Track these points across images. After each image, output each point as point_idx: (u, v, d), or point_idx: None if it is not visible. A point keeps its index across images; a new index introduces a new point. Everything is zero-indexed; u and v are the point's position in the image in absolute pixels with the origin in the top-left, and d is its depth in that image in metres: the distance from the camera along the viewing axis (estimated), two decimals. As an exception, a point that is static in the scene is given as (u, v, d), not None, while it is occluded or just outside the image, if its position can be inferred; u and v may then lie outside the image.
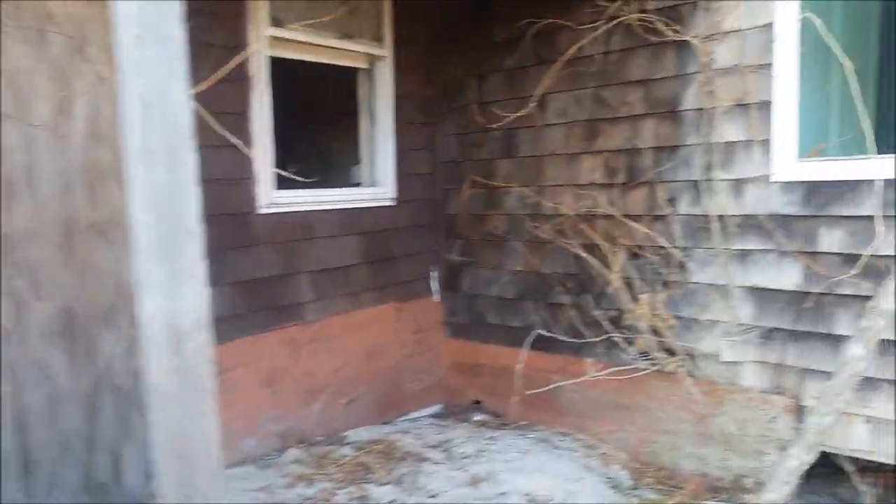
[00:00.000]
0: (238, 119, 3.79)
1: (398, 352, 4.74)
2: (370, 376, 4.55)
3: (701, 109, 3.68)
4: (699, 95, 3.69)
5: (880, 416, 3.18)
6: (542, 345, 4.25)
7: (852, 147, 3.38)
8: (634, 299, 3.91)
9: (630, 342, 3.93)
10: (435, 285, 4.99)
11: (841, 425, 3.28)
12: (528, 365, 4.24)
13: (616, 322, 4.04)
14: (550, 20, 4.13)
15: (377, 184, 4.70)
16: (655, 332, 3.82)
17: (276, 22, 3.89)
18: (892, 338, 3.02)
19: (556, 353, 4.30)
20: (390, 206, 4.70)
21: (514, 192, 4.53)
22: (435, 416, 4.86)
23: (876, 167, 3.11)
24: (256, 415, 3.93)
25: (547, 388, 4.17)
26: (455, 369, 4.95)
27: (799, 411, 3.41)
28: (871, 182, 3.14)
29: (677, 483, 3.69)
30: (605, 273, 4.02)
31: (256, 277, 3.94)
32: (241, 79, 3.79)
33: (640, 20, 3.80)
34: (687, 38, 3.68)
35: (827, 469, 3.43)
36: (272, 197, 3.95)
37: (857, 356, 2.19)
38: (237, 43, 3.68)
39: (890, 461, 3.16)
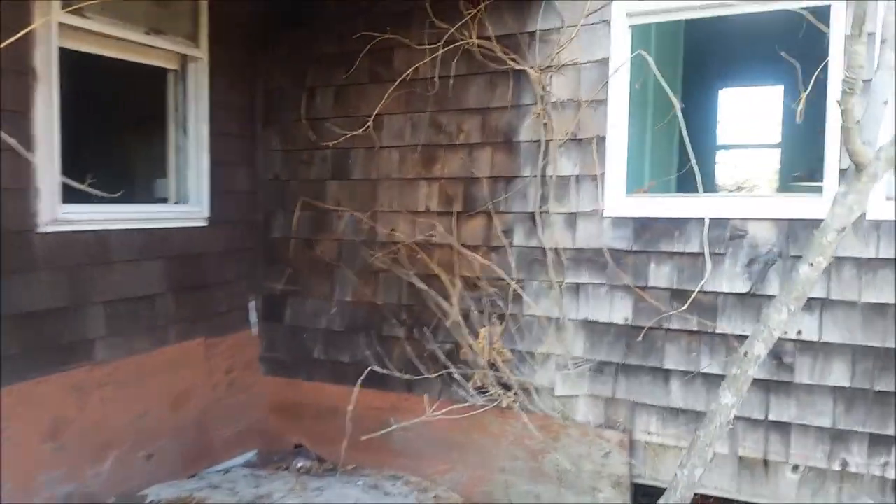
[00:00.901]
0: (18, 118, 3.12)
1: (209, 394, 4.19)
2: (175, 424, 3.96)
3: (537, 141, 3.66)
4: (535, 127, 3.66)
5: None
6: (374, 381, 3.95)
7: (682, 185, 3.52)
8: (472, 332, 3.77)
9: (467, 377, 3.77)
10: (253, 317, 4.51)
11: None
12: (358, 403, 3.91)
13: (452, 356, 3.87)
14: (387, 36, 3.91)
15: (188, 201, 4.15)
16: (492, 366, 3.70)
17: (69, 4, 3.27)
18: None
19: (390, 390, 4.03)
20: (203, 227, 4.17)
21: (347, 217, 4.22)
22: (250, 464, 4.36)
23: (703, 205, 3.25)
24: (34, 475, 3.22)
25: (380, 430, 3.88)
26: (275, 411, 4.49)
27: (632, 446, 3.44)
28: (699, 220, 3.26)
29: (512, 524, 3.57)
30: (442, 305, 3.84)
31: (35, 310, 3.24)
32: (23, 71, 3.13)
33: (479, 46, 3.71)
34: (524, 68, 3.65)
35: None
36: (58, 212, 3.29)
37: (728, 404, 2.18)
38: (18, 27, 3.02)
39: (712, 492, 3.28)
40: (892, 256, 2.87)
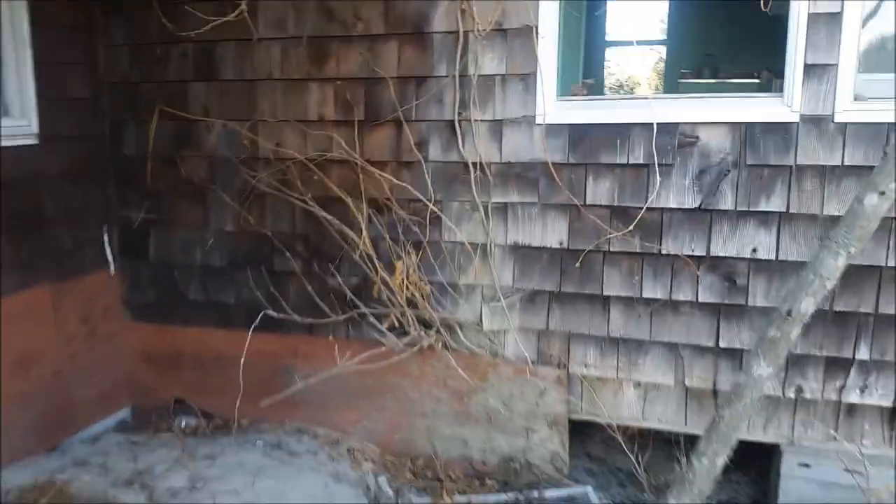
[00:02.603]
0: None
1: (63, 350, 3.42)
2: (23, 390, 3.19)
3: (454, 33, 3.03)
4: (451, 15, 3.02)
5: (649, 381, 3.01)
6: (268, 324, 3.34)
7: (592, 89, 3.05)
8: (384, 265, 3.22)
9: (381, 317, 3.25)
10: (110, 253, 3.70)
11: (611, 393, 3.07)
12: (250, 349, 3.29)
13: (361, 293, 3.32)
14: None
15: (9, 113, 3.21)
16: (410, 302, 3.19)
17: None
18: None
19: (287, 332, 3.44)
20: (33, 146, 3.26)
21: (218, 128, 3.44)
22: (124, 427, 3.69)
23: (650, 108, 2.80)
24: None
25: (278, 378, 3.32)
26: (146, 362, 3.78)
27: (569, 381, 3.11)
28: (645, 126, 2.82)
29: (438, 473, 3.20)
30: (347, 233, 3.24)
31: None
32: None
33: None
34: (436, -59, 2.96)
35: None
36: None
37: (763, 375, 1.79)
38: None
39: (656, 425, 3.04)
40: (859, 163, 2.58)
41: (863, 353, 2.70)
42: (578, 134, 2.93)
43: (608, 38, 8.04)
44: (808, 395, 2.80)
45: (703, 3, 6.62)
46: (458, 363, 3.18)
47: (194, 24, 3.06)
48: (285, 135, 3.33)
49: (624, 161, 2.88)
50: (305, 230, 3.37)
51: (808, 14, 2.55)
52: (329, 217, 3.25)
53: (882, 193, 1.74)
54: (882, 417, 2.74)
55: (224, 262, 3.56)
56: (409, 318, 3.17)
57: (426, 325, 3.21)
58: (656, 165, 2.81)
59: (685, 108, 2.82)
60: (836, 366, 2.75)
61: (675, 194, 2.84)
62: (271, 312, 3.35)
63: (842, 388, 2.75)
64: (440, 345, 3.20)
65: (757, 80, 6.24)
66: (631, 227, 2.87)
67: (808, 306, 1.74)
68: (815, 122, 2.62)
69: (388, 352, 3.20)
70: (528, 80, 2.97)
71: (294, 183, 3.30)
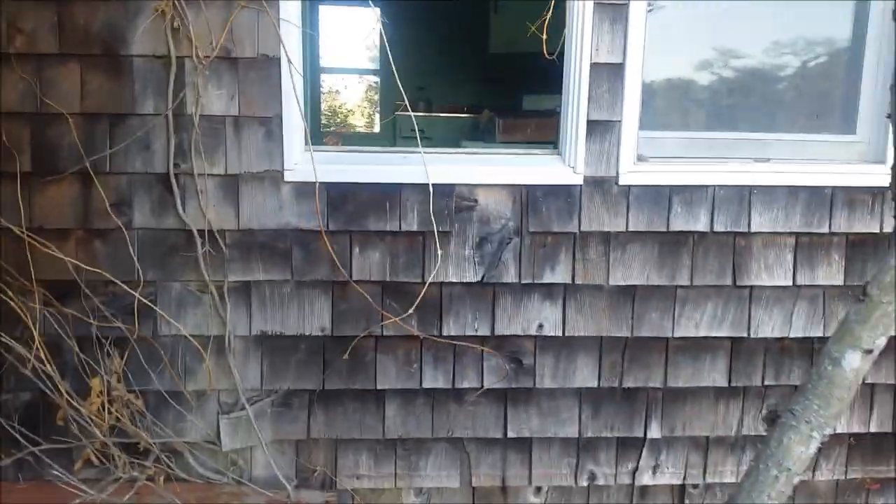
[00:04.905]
0: None
1: None
2: None
3: (163, 58, 2.25)
4: (159, 34, 2.25)
5: (432, 486, 2.52)
6: None
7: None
8: (71, 377, 2.29)
9: (72, 451, 2.30)
10: None
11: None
12: None
13: (37, 420, 2.33)
14: None
15: None
16: (113, 428, 2.30)
17: None
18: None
19: None
20: None
21: None
22: None
23: (428, 168, 2.32)
24: None
25: None
26: None
27: (339, 501, 2.49)
28: (417, 187, 2.35)
29: None
30: (7, 334, 2.23)
31: None
32: None
33: None
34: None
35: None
36: None
37: None
38: None
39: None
40: (643, 229, 2.40)
41: (654, 432, 2.54)
42: (339, 194, 2.36)
43: (322, 64, 7.60)
44: (601, 482, 2.56)
45: (413, 34, 6.54)
46: (188, 497, 2.37)
47: None
48: None
49: (395, 228, 2.37)
50: (-63, 334, 2.28)
51: (591, 64, 2.31)
52: (-23, 315, 2.22)
53: (868, 352, 1.35)
54: (673, 496, 2.61)
55: None
56: (115, 453, 2.28)
57: (139, 453, 2.35)
58: (435, 233, 2.35)
59: (460, 165, 2.40)
60: (628, 446, 2.55)
61: (455, 266, 2.41)
62: None
63: (634, 469, 2.56)
64: (162, 478, 2.36)
65: (472, 116, 6.30)
66: (410, 309, 2.37)
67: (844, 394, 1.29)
68: (599, 185, 2.38)
69: (77, 490, 2.26)
70: (270, 124, 2.31)
71: (-87, 266, 2.20)
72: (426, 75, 6.66)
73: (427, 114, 6.53)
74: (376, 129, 8.91)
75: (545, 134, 4.64)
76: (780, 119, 2.59)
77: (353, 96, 12.44)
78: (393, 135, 6.59)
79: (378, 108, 8.01)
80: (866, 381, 2.53)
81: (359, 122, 12.39)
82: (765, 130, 2.54)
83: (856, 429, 2.59)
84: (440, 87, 6.85)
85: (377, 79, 7.79)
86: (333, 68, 8.57)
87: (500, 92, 6.08)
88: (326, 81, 10.68)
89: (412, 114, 2.55)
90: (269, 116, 2.31)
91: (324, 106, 11.66)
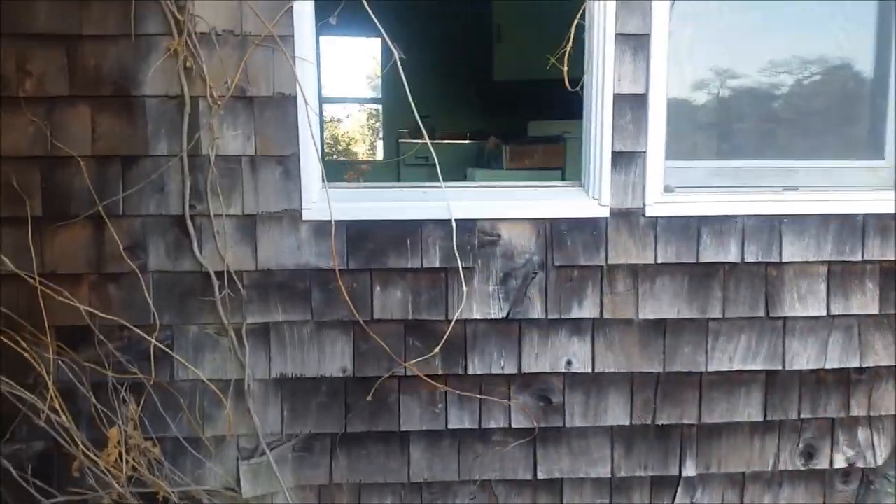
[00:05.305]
0: None
1: None
2: None
3: (177, 98, 2.21)
4: (171, 74, 2.20)
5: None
6: None
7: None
8: (86, 425, 2.21)
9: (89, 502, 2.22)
10: None
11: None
12: None
13: (51, 471, 2.25)
14: None
15: None
16: (131, 478, 2.21)
17: None
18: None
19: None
20: None
21: None
22: None
23: (450, 203, 2.27)
24: None
25: None
26: None
27: (365, 553, 2.40)
28: (439, 223, 2.29)
29: None
30: (17, 383, 2.16)
31: None
32: None
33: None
34: (144, -26, 2.13)
35: None
36: None
37: None
38: None
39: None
40: (672, 261, 2.34)
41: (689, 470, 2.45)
42: (358, 231, 2.30)
43: (324, 93, 7.62)
44: (637, 524, 2.48)
45: (416, 62, 6.54)
46: (208, 549, 2.28)
47: None
48: None
49: (417, 265, 2.31)
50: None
51: (614, 95, 2.26)
52: (-11, 366, 2.15)
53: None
54: (708, 534, 2.52)
55: None
56: (133, 503, 2.20)
57: (158, 502, 2.27)
58: (459, 269, 2.28)
59: (482, 200, 2.35)
60: (663, 485, 2.47)
61: (479, 303, 2.34)
62: None
63: (670, 510, 2.48)
64: (180, 529, 2.27)
65: (476, 142, 6.26)
66: (436, 349, 2.30)
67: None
68: (626, 217, 2.32)
69: (99, 559, 2.18)
70: (287, 162, 2.26)
71: (-77, 317, 2.13)
72: (430, 102, 6.65)
73: (431, 141, 6.50)
74: (379, 156, 8.89)
75: (552, 160, 4.59)
76: (806, 146, 2.53)
77: (355, 124, 12.46)
78: (397, 163, 6.55)
79: (381, 136, 7.99)
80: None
81: (359, 150, 12.40)
82: (791, 157, 2.49)
83: None
84: (444, 115, 6.84)
85: (378, 107, 7.79)
86: (335, 98, 8.59)
87: (505, 118, 6.04)
88: (328, 111, 10.72)
89: (427, 141, 2.52)
90: (286, 155, 2.26)
91: (326, 135, 11.71)
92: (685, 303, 2.35)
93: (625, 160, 2.30)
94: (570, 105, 2.51)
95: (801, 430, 2.47)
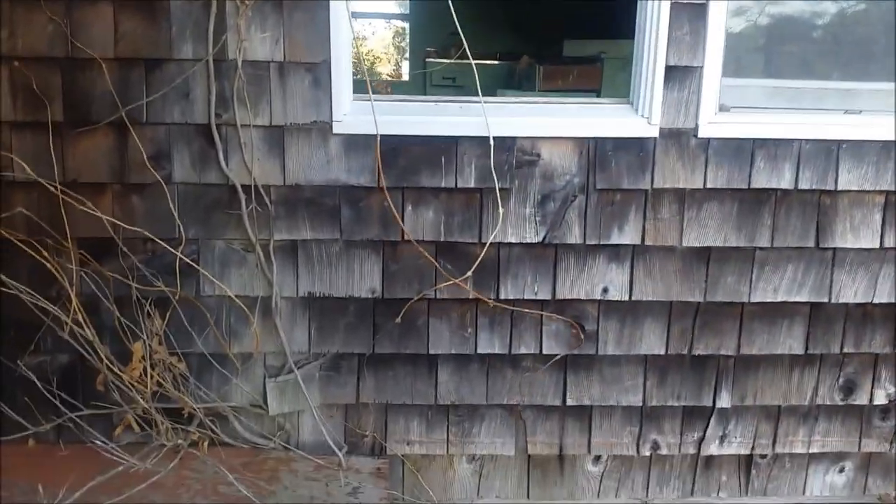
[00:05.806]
0: None
1: None
2: None
3: (201, -2, 2.07)
4: (194, -30, 2.06)
5: (485, 453, 2.41)
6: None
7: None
8: (109, 339, 2.18)
9: (111, 417, 2.21)
10: None
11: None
12: None
13: (75, 384, 2.24)
14: None
15: None
16: (155, 393, 2.19)
17: None
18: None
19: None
20: None
21: None
22: None
23: (488, 119, 2.14)
24: None
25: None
26: None
27: (391, 472, 2.39)
28: (475, 140, 2.17)
29: None
30: (39, 293, 2.12)
31: None
32: None
33: None
34: None
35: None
36: None
37: None
38: None
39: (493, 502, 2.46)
40: (722, 186, 2.22)
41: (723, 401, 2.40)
42: (391, 147, 2.18)
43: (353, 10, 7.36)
44: (664, 452, 2.44)
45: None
46: (233, 463, 2.28)
47: None
48: (-80, 143, 2.08)
49: (451, 185, 2.20)
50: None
51: (671, 3, 2.09)
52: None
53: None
54: (739, 467, 2.49)
55: None
56: (158, 418, 2.18)
57: (182, 419, 2.25)
58: (495, 190, 2.18)
59: (523, 117, 2.21)
60: (694, 415, 2.42)
61: (514, 226, 2.24)
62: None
63: (700, 439, 2.43)
64: (206, 443, 2.26)
65: (508, 62, 6.02)
66: (469, 272, 2.22)
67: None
68: (676, 138, 2.18)
69: (115, 464, 2.18)
70: (317, 70, 2.13)
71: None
72: (459, 19, 6.39)
73: (461, 60, 6.28)
74: (404, 77, 8.63)
75: (589, 81, 4.39)
76: (869, 70, 2.36)
77: (380, 43, 12.07)
78: (423, 83, 6.35)
79: (407, 56, 7.73)
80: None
81: (384, 70, 12.05)
82: (852, 79, 2.33)
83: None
84: (473, 33, 6.58)
85: (405, 24, 7.50)
86: (361, 13, 8.28)
87: (538, 37, 5.79)
88: (354, 27, 10.38)
89: (470, 60, 2.36)
90: (316, 63, 2.13)
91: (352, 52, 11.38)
92: (732, 230, 2.24)
93: (678, 76, 2.14)
94: (607, 23, 2.35)
95: (843, 365, 2.39)
